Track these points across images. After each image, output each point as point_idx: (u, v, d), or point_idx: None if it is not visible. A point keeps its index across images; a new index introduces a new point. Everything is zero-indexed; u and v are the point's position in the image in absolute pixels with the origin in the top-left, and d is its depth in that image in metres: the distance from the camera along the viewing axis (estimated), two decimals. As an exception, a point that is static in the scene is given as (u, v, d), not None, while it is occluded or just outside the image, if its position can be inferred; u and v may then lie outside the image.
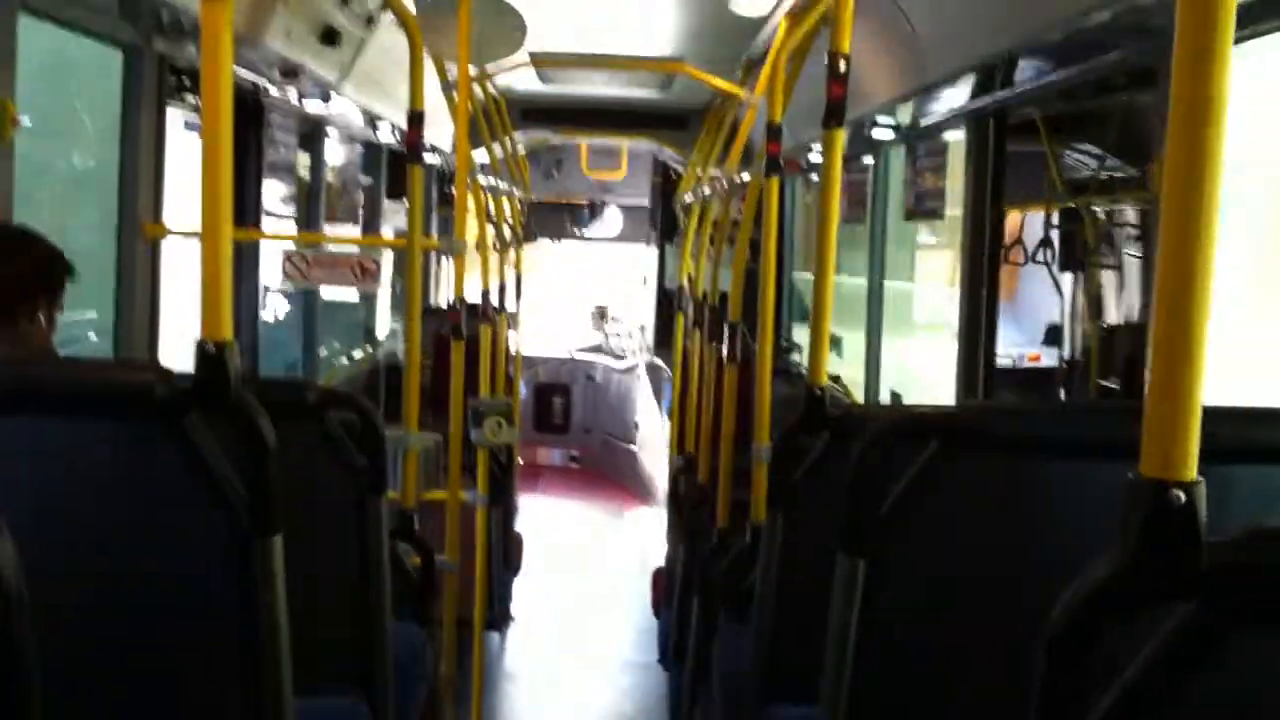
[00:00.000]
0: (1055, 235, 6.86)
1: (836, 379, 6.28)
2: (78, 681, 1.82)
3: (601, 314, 13.18)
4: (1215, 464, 1.12)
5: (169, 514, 1.90)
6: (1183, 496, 1.03)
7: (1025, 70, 3.92)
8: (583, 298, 13.70)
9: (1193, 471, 1.04)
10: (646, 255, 12.68)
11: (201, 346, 1.80)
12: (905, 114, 5.26)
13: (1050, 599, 1.83)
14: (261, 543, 1.86)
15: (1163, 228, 1.04)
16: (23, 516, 1.21)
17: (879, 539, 1.92)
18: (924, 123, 5.13)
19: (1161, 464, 1.03)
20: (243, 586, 1.87)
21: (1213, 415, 1.07)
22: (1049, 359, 8.37)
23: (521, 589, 8.35)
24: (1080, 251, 7.22)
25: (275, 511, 1.86)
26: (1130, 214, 7.03)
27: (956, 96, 4.54)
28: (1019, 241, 6.55)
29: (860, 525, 1.93)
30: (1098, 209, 6.96)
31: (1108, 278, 7.18)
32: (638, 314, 13.11)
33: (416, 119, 3.80)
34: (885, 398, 6.60)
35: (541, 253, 12.78)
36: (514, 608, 8.00)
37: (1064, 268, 7.35)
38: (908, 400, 6.99)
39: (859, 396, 6.67)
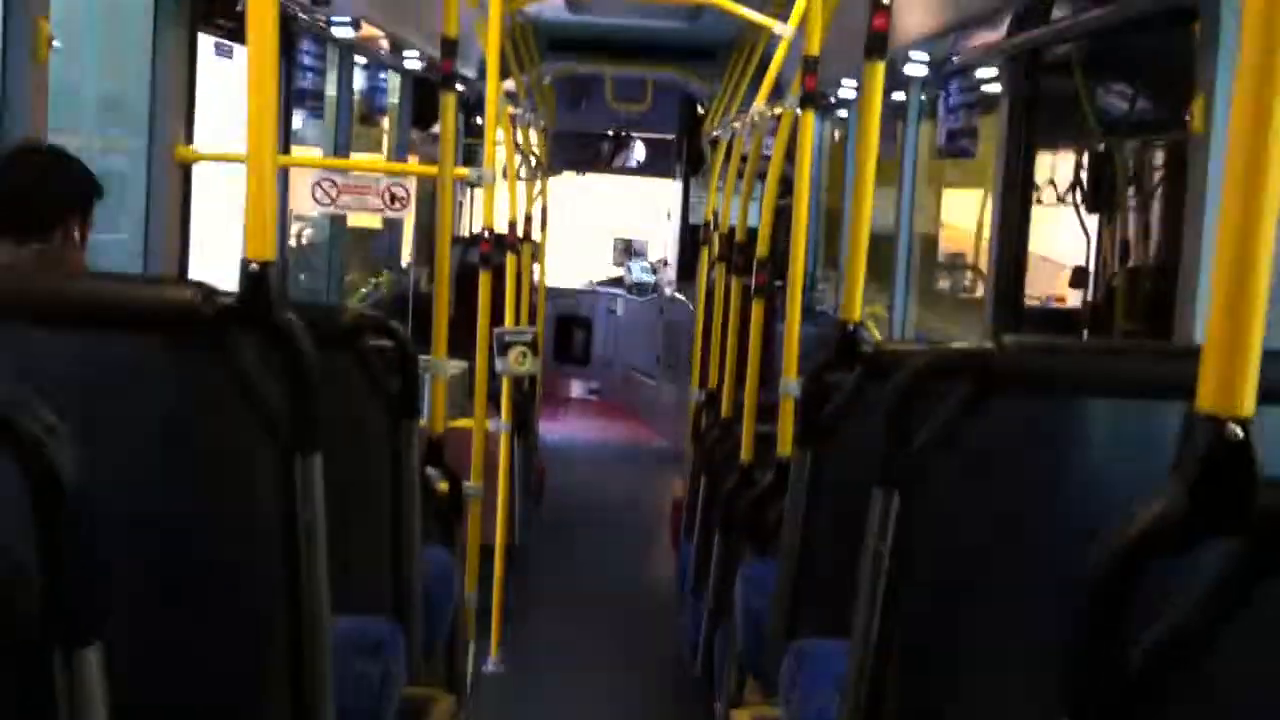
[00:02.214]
0: (1084, 176, 6.80)
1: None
2: (121, 593, 1.84)
3: (625, 248, 13.15)
4: (1267, 405, 1.11)
5: (210, 430, 1.92)
6: (1240, 432, 1.03)
7: (1063, 7, 3.88)
8: (605, 230, 13.66)
9: (1251, 408, 1.03)
10: (670, 189, 12.62)
11: (245, 265, 1.81)
12: (939, 50, 5.21)
13: (1083, 536, 1.84)
14: (303, 460, 1.87)
15: (1229, 160, 1.03)
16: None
17: (914, 473, 1.93)
18: (957, 59, 5.08)
19: (1220, 399, 1.03)
20: (284, 503, 1.88)
21: (1266, 356, 1.07)
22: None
23: (541, 517, 8.43)
24: (1108, 192, 7.17)
25: (316, 429, 1.88)
26: (1159, 155, 6.97)
27: (992, 34, 4.49)
28: (1051, 182, 6.50)
29: (896, 458, 1.94)
30: (1128, 149, 6.89)
31: (1133, 218, 7.13)
32: (660, 248, 13.08)
33: (450, 46, 3.77)
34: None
35: (564, 183, 12.73)
36: (535, 534, 8.07)
37: (1091, 209, 7.30)
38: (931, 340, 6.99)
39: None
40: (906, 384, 1.93)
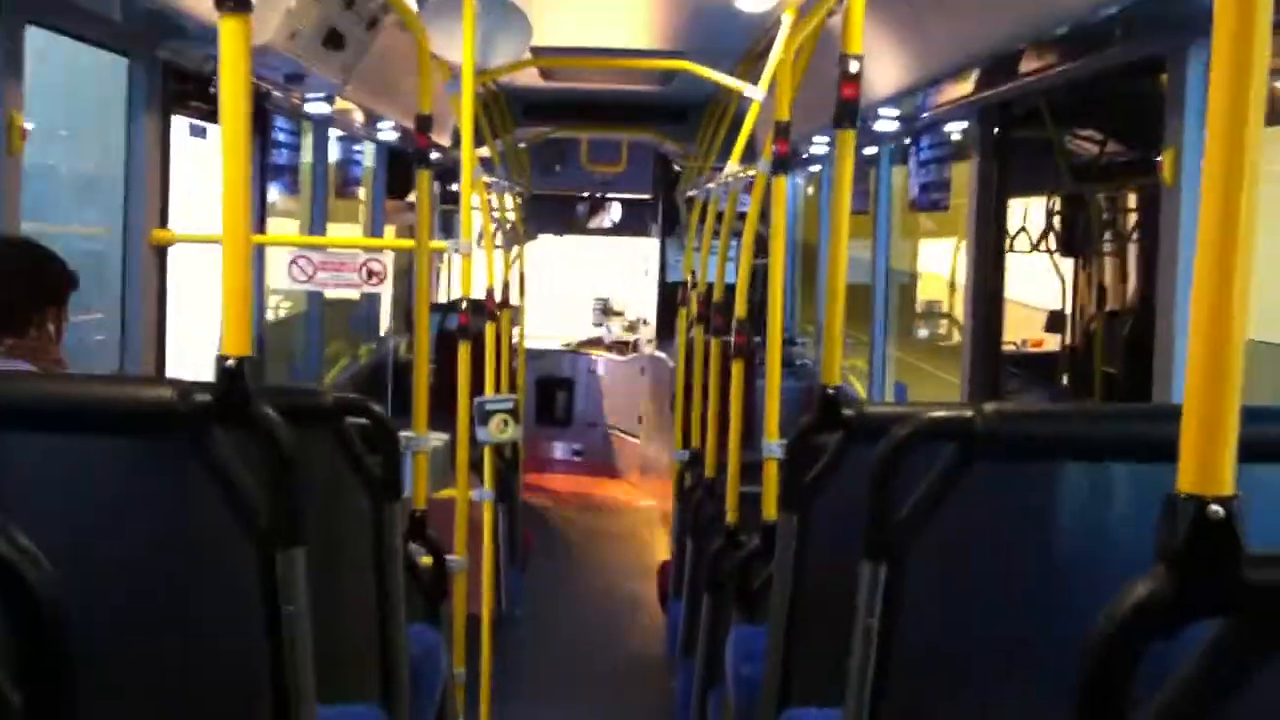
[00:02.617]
0: (1057, 222, 6.85)
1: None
2: (107, 699, 1.82)
3: (605, 308, 13.18)
4: (1247, 463, 1.11)
5: (191, 529, 1.91)
6: (1221, 511, 1.03)
7: (1031, 62, 3.92)
8: (584, 289, 13.69)
9: (1230, 486, 1.04)
10: (648, 247, 12.67)
11: (222, 361, 1.81)
12: (909, 106, 5.25)
13: (1069, 602, 1.83)
14: (284, 555, 1.86)
15: (1201, 238, 1.03)
16: (45, 535, 1.21)
17: (900, 544, 1.92)
18: (928, 115, 5.12)
19: (1200, 480, 1.03)
20: (267, 598, 1.87)
21: (1245, 415, 1.06)
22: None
23: (528, 584, 8.37)
24: (1081, 237, 7.23)
25: (298, 524, 1.87)
26: (1132, 199, 7.03)
27: (961, 88, 4.54)
28: (1023, 229, 6.55)
29: (881, 531, 1.93)
30: (1100, 195, 6.96)
31: (1109, 263, 7.18)
32: (639, 306, 13.11)
33: (424, 122, 3.78)
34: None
35: (542, 244, 12.77)
36: (521, 601, 8.02)
37: (1065, 253, 7.36)
38: (911, 394, 7.02)
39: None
40: (887, 456, 1.93)
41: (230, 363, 1.80)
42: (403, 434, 3.16)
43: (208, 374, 1.89)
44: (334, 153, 7.23)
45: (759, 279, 7.78)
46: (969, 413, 1.83)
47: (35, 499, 1.85)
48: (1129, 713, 1.07)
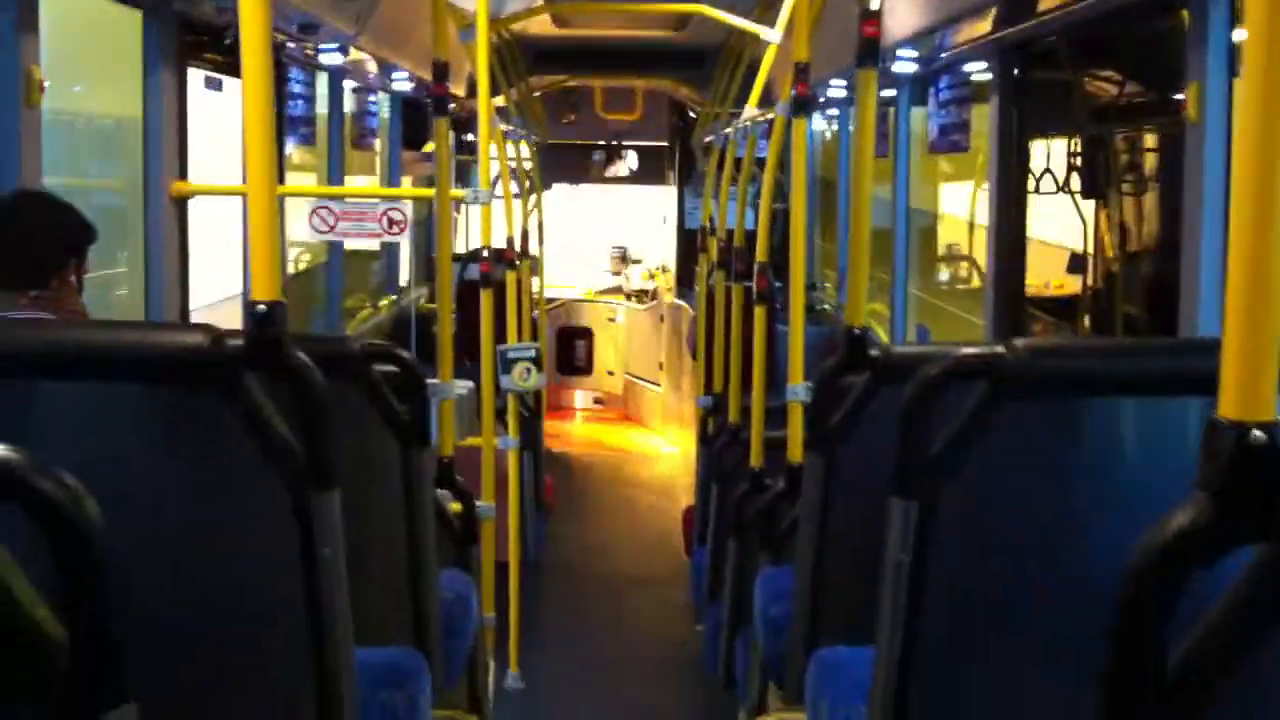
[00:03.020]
0: (1078, 162, 6.80)
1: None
2: (142, 643, 1.83)
3: (623, 256, 13.16)
4: None
5: (225, 474, 1.91)
6: (1264, 437, 1.02)
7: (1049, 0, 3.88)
8: (603, 238, 13.67)
9: (1273, 411, 1.03)
10: (665, 195, 12.63)
11: (252, 307, 1.81)
12: (927, 46, 5.20)
13: (1102, 537, 1.83)
14: (319, 497, 1.87)
15: (1236, 161, 1.02)
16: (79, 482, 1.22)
17: (931, 481, 1.92)
18: (946, 55, 5.07)
19: (1241, 406, 1.03)
20: (304, 541, 1.88)
21: None
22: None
23: (551, 531, 8.42)
24: (1102, 178, 7.16)
25: (332, 467, 1.87)
26: (1151, 140, 6.96)
27: (980, 27, 4.49)
28: (1047, 170, 6.50)
29: (912, 468, 1.93)
30: (1120, 135, 6.89)
31: (1129, 203, 7.12)
32: (658, 254, 13.09)
33: (441, 70, 3.76)
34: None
35: (560, 194, 12.74)
36: (547, 549, 8.07)
37: (1087, 195, 7.30)
38: (933, 338, 7.01)
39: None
40: (918, 394, 1.92)
41: (261, 308, 1.80)
42: (429, 382, 3.17)
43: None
44: (349, 104, 7.21)
45: (779, 224, 7.75)
46: (1001, 349, 1.82)
47: (67, 446, 1.86)
48: (1169, 640, 1.07)
